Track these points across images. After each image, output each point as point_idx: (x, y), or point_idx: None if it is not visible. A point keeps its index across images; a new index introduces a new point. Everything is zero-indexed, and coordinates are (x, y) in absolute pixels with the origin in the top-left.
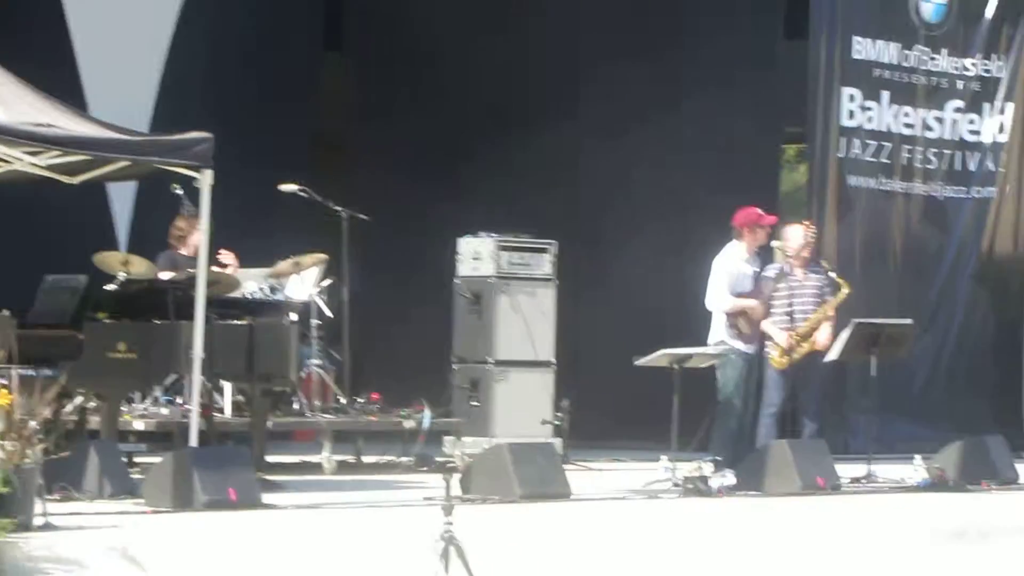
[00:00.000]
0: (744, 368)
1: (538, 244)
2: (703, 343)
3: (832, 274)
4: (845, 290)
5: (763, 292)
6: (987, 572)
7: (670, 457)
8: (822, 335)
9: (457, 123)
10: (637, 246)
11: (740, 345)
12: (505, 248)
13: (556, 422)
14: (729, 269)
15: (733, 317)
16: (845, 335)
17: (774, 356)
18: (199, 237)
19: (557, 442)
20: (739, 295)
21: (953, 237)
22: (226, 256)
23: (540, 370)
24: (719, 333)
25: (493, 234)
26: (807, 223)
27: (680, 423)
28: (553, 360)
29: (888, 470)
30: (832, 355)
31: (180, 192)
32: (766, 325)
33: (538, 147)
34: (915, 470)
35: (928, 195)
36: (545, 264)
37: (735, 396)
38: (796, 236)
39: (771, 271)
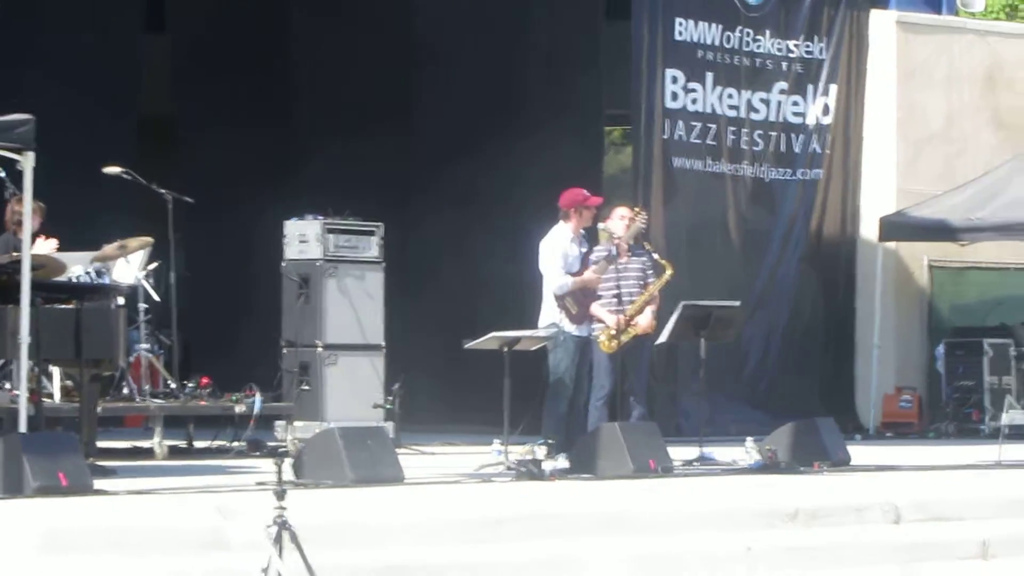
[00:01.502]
0: (575, 350)
1: (365, 226)
2: (534, 326)
3: (655, 256)
4: (668, 272)
5: (598, 271)
6: (818, 552)
7: (502, 441)
8: (644, 318)
9: (285, 105)
10: (465, 228)
11: (570, 327)
12: (332, 231)
13: (387, 406)
14: (561, 250)
15: (562, 299)
16: (674, 318)
17: (602, 340)
18: (38, 221)
19: (389, 426)
20: (572, 275)
21: (781, 219)
22: (44, 244)
23: (370, 354)
24: (550, 315)
25: (320, 216)
26: (637, 209)
27: (512, 406)
28: (383, 343)
29: (720, 452)
30: (661, 338)
31: (2, 175)
32: (595, 308)
33: (368, 130)
34: (747, 452)
35: (755, 177)
36: (373, 247)
37: (565, 378)
38: (623, 216)
39: (601, 252)
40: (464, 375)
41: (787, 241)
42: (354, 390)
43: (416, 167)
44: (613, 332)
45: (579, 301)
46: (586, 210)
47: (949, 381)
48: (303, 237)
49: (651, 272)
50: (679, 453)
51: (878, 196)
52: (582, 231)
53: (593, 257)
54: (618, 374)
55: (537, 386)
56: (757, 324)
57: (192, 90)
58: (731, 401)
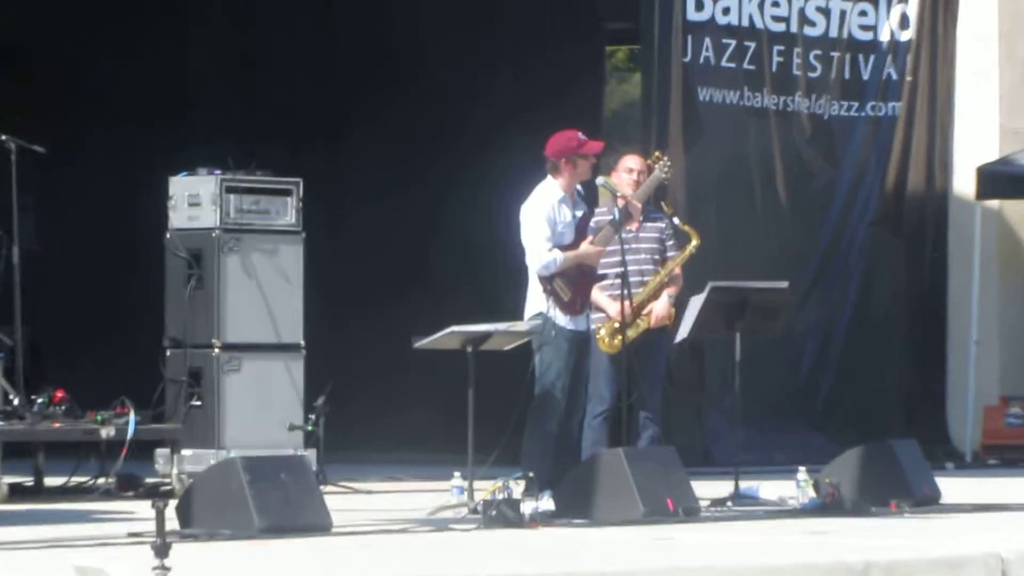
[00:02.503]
0: (568, 350)
1: (279, 184)
2: (514, 317)
3: (676, 221)
4: (694, 242)
5: (599, 242)
6: None
7: (465, 474)
8: (659, 306)
9: (175, 24)
10: (418, 187)
11: (562, 319)
12: (234, 190)
13: (309, 427)
14: (547, 214)
15: (550, 282)
16: (697, 305)
17: (603, 336)
18: None
19: (311, 455)
20: (563, 248)
21: (845, 169)
22: None
23: (285, 356)
24: (536, 304)
25: (217, 171)
26: (656, 155)
27: (480, 427)
28: (303, 343)
29: (763, 488)
30: (682, 332)
31: None
32: (595, 293)
33: (282, 53)
34: (799, 488)
35: (811, 113)
36: (289, 211)
37: (555, 388)
38: (631, 168)
39: (602, 216)
40: (414, 385)
41: (853, 200)
42: (263, 406)
43: (348, 103)
44: (617, 325)
45: (574, 284)
46: (581, 160)
47: None
48: (194, 198)
49: (670, 243)
50: (707, 489)
51: (976, 138)
52: (577, 188)
53: (593, 224)
54: (624, 382)
55: (516, 399)
56: (812, 312)
57: (50, 6)
58: (777, 418)
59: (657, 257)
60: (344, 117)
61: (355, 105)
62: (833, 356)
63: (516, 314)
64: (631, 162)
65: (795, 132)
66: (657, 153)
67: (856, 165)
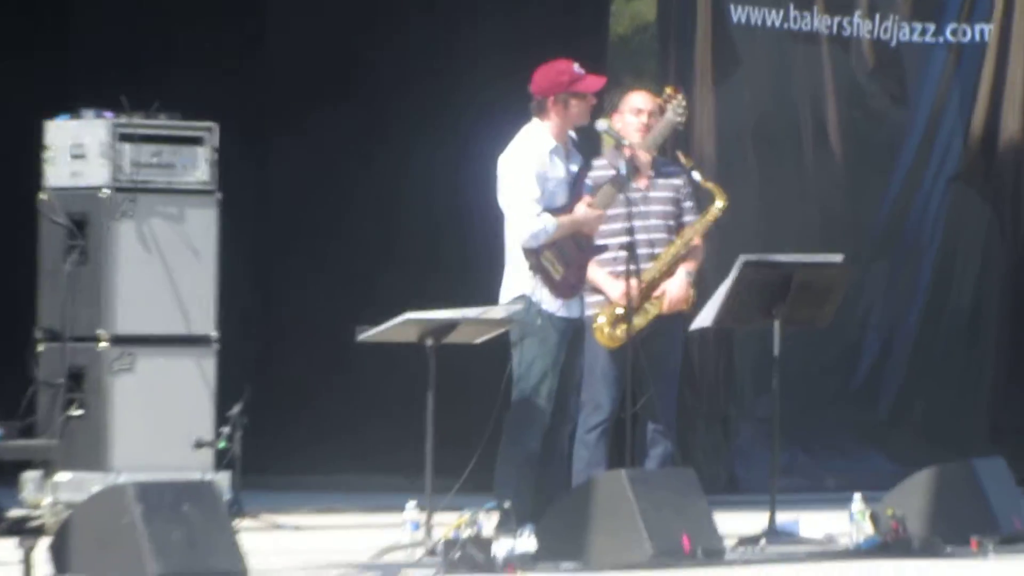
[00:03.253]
0: (558, 344)
1: (187, 130)
2: (488, 301)
3: (697, 176)
4: (720, 203)
5: (600, 204)
6: None
7: (422, 504)
8: (675, 285)
9: None
10: (368, 134)
11: (550, 303)
12: (129, 138)
13: (221, 444)
14: (534, 168)
15: (537, 255)
16: (727, 284)
17: (602, 325)
18: None
19: (223, 479)
20: (555, 212)
21: (919, 110)
22: None
23: (193, 352)
24: (515, 282)
25: (107, 113)
26: (669, 92)
27: (442, 443)
28: (215, 334)
29: (807, 521)
30: (703, 320)
31: None
32: (593, 270)
33: None
34: (854, 521)
35: (874, 39)
36: (200, 165)
37: (539, 393)
38: (640, 109)
39: (603, 170)
40: (359, 389)
41: (928, 150)
42: (164, 417)
43: (277, 24)
44: (620, 311)
45: (567, 258)
46: (575, 100)
47: None
48: (78, 149)
49: (689, 205)
50: (734, 524)
51: None
52: (571, 135)
53: (591, 180)
54: (628, 385)
55: (488, 407)
56: (874, 295)
57: None
58: (826, 432)
59: (671, 223)
60: (276, 45)
61: (289, 28)
62: (901, 353)
63: (491, 298)
64: (639, 101)
65: (854, 63)
66: (669, 89)
67: (932, 106)
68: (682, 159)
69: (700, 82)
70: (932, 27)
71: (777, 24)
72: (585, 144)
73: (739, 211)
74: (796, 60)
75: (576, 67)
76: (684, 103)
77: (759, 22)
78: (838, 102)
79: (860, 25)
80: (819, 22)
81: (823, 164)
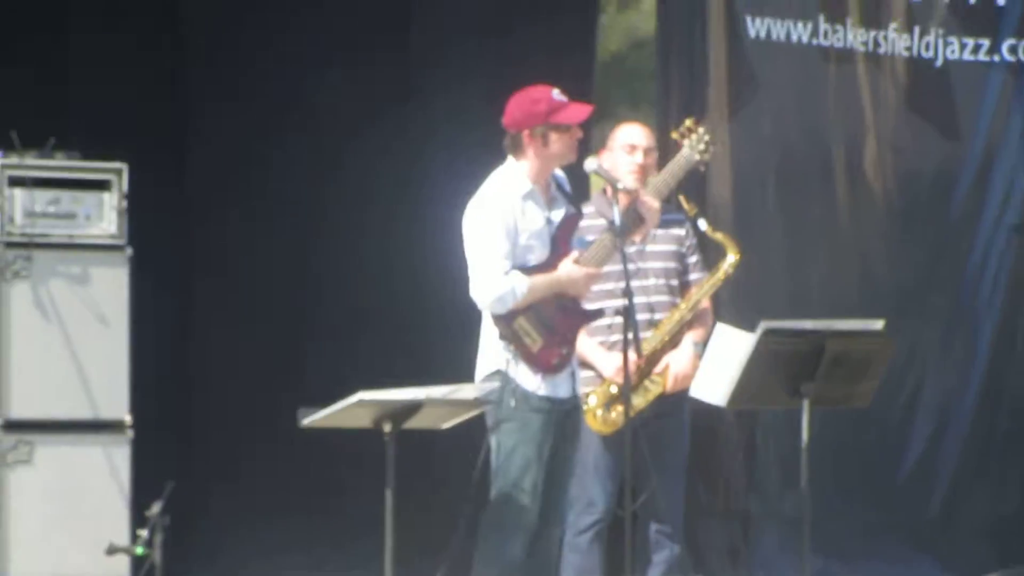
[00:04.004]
0: (541, 430)
1: (90, 171)
2: (465, 378)
3: (703, 226)
4: (732, 258)
5: (591, 261)
6: None
7: None
8: (680, 360)
9: None
10: (314, 182)
11: (530, 380)
12: (20, 181)
13: (138, 549)
14: (501, 218)
15: (510, 323)
16: (743, 355)
17: (593, 407)
18: None
19: None
20: (529, 271)
21: (971, 145)
22: None
23: (103, 440)
24: (491, 355)
25: None
26: (689, 124)
27: (407, 545)
28: (128, 419)
29: None
30: (715, 398)
31: None
32: (583, 343)
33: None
34: None
35: (914, 58)
36: (107, 214)
37: (521, 490)
38: (634, 144)
39: (592, 221)
40: (303, 481)
41: (983, 190)
42: (69, 517)
43: (200, 43)
44: (615, 390)
45: (548, 325)
46: (556, 133)
47: None
48: None
49: (694, 260)
50: None
51: None
52: (557, 176)
53: (580, 231)
54: (626, 478)
55: (460, 504)
56: (923, 371)
57: None
58: (866, 533)
59: (674, 283)
60: (199, 71)
61: (220, 45)
62: (955, 439)
63: (465, 375)
64: (633, 135)
65: (892, 85)
66: (689, 122)
67: (988, 136)
68: (684, 205)
69: (714, 109)
70: (986, 43)
71: (804, 39)
72: (578, 186)
73: (759, 267)
74: (827, 83)
75: (556, 93)
76: (708, 138)
77: (782, 36)
78: (877, 133)
79: (896, 41)
80: (854, 37)
81: (860, 210)
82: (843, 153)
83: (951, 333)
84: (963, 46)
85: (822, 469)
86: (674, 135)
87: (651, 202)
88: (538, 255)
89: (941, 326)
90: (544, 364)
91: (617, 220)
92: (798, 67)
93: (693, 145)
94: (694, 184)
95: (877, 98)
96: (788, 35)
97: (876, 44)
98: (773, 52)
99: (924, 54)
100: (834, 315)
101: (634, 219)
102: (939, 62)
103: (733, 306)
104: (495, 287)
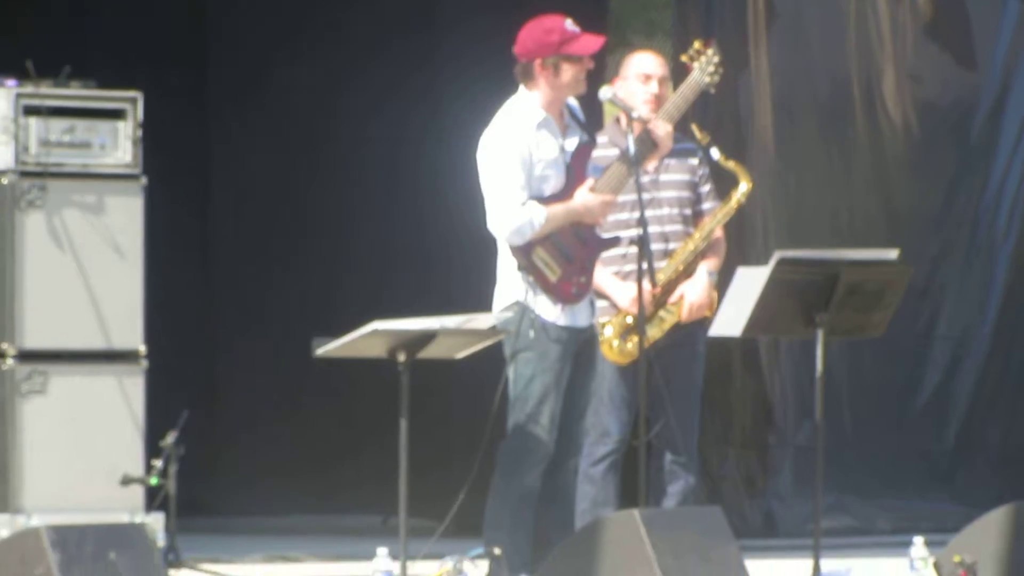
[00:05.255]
0: (559, 359)
1: (105, 100)
2: (483, 309)
3: (716, 154)
4: (744, 187)
5: (604, 188)
6: None
7: (396, 552)
8: (695, 289)
9: None
10: (330, 108)
11: (549, 310)
12: (36, 110)
13: (152, 480)
14: (516, 148)
15: (527, 252)
16: (758, 285)
17: (609, 338)
18: None
19: (156, 520)
20: (546, 200)
21: (989, 75)
22: None
23: (117, 371)
24: (509, 286)
25: (10, 81)
26: (699, 45)
27: (420, 479)
28: (142, 349)
29: (859, 569)
30: (728, 326)
31: None
32: (599, 274)
33: None
34: (913, 569)
35: None
36: (121, 143)
37: (537, 421)
38: (648, 74)
39: (605, 149)
40: (320, 413)
41: (998, 119)
42: (82, 448)
43: None
44: (631, 320)
45: (566, 255)
46: (568, 63)
47: None
48: None
49: (708, 190)
50: (771, 571)
51: None
52: (571, 105)
53: (593, 160)
54: (640, 408)
55: (477, 435)
56: (939, 300)
57: None
58: (881, 466)
59: (687, 212)
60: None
61: None
62: (971, 369)
63: (484, 306)
64: (647, 64)
65: (907, 14)
66: (698, 43)
67: (1004, 66)
68: (697, 134)
69: (753, 30)
70: None
71: None
72: (592, 115)
73: (778, 199)
74: (847, 13)
75: (568, 24)
76: (717, 60)
77: None
78: (895, 64)
79: None
80: None
81: (879, 141)
82: (861, 84)
83: (967, 262)
84: None
85: (835, 400)
86: (683, 58)
87: (663, 127)
88: (553, 184)
89: (956, 255)
90: (563, 294)
91: (632, 149)
92: None
93: (703, 68)
94: (723, 115)
95: (896, 27)
96: None
97: None
98: None
99: None
100: (855, 246)
101: (648, 145)
102: None
103: (753, 234)
104: (513, 218)
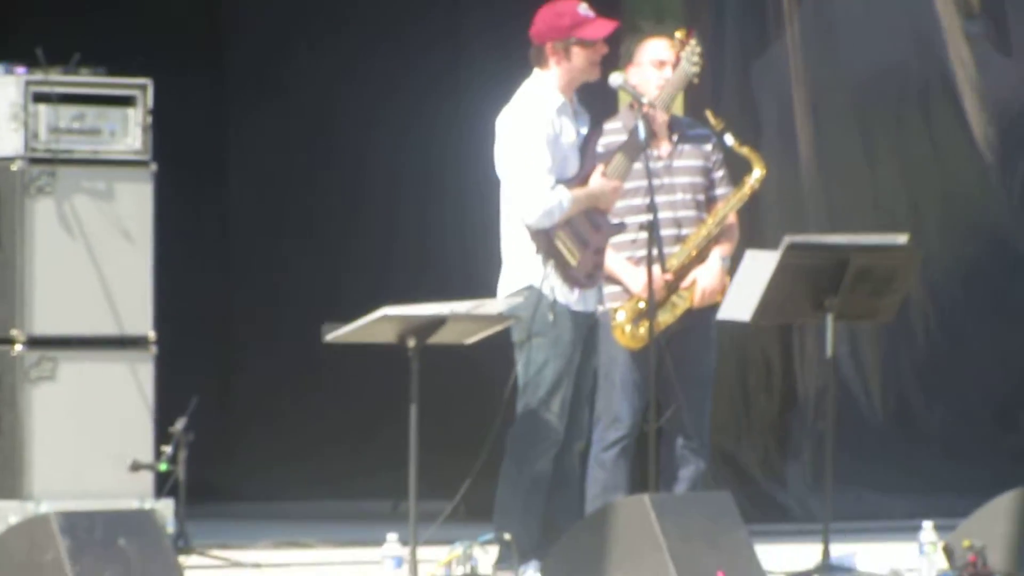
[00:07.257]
0: (572, 344)
1: (115, 87)
2: (485, 292)
3: (729, 140)
4: (758, 172)
5: (614, 172)
6: None
7: (405, 537)
8: (708, 274)
9: None
10: (345, 91)
11: (566, 294)
12: (45, 97)
13: (162, 466)
14: (543, 128)
15: (550, 237)
16: (768, 270)
17: (621, 323)
18: None
19: (166, 506)
20: (567, 184)
21: None
22: None
23: (127, 357)
24: (519, 271)
25: (19, 68)
26: (681, 35)
27: (430, 464)
28: (152, 335)
29: (868, 553)
30: (736, 310)
31: None
32: (611, 258)
33: None
34: (923, 553)
35: None
36: (131, 129)
37: (549, 407)
38: (662, 60)
39: (615, 134)
40: (329, 399)
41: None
42: (92, 434)
43: None
44: (643, 305)
45: (584, 238)
46: (580, 48)
47: None
48: None
49: (721, 175)
50: (780, 557)
51: None
52: (577, 92)
53: (602, 146)
54: (652, 394)
55: (487, 420)
56: (946, 285)
57: None
58: (891, 449)
59: (700, 198)
60: None
61: None
62: (990, 348)
63: (489, 291)
64: (660, 50)
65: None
66: (680, 33)
67: None
68: (711, 120)
69: (788, 16)
70: None
71: None
72: (597, 103)
73: (782, 179)
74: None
75: (582, 8)
76: (699, 50)
77: None
78: (954, 51)
79: None
80: None
81: (896, 125)
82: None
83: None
84: None
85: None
86: (676, 50)
87: (659, 115)
88: (572, 168)
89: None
90: (581, 278)
91: (642, 134)
92: None
93: (688, 57)
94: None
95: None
96: None
97: None
98: None
99: None
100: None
101: (648, 132)
102: None
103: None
104: (543, 201)
